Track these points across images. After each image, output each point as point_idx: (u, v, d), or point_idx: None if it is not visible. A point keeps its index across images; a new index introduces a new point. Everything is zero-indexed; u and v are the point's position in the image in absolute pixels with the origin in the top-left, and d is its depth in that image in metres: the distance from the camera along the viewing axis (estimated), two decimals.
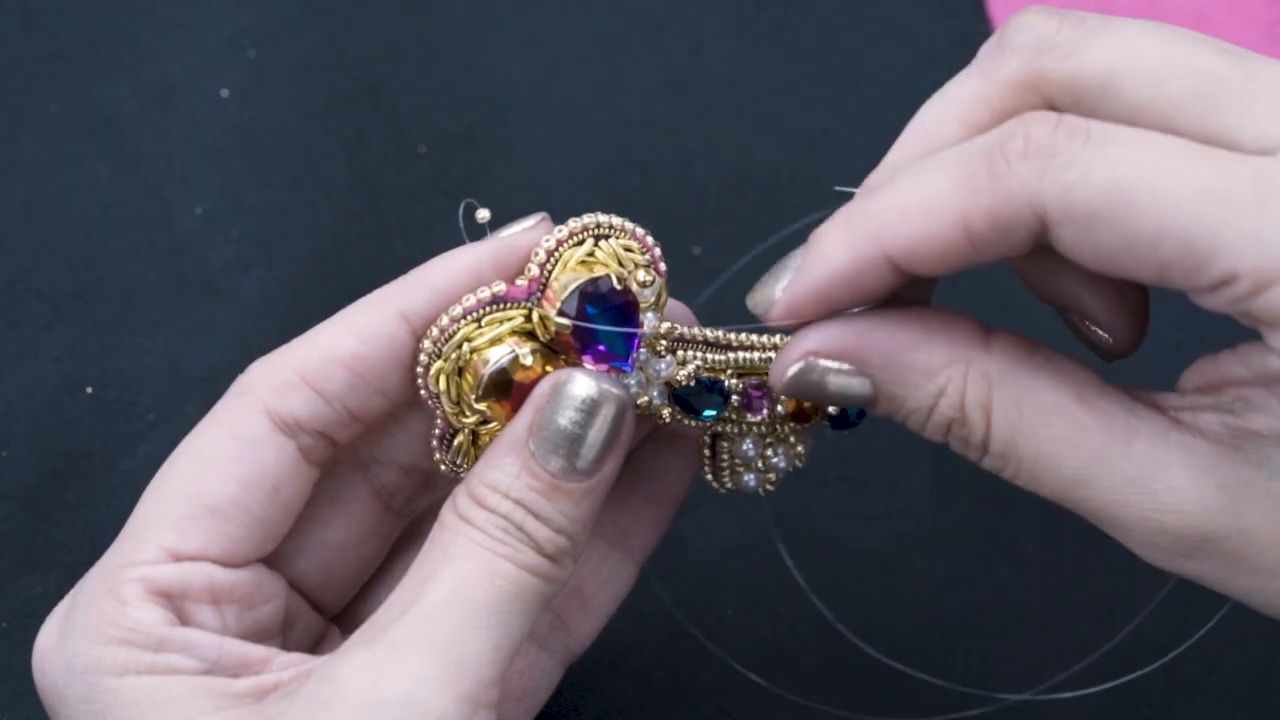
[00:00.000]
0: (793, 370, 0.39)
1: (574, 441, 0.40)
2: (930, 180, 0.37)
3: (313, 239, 0.59)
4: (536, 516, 0.40)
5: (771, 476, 0.45)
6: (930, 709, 0.53)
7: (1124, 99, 0.36)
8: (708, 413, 0.43)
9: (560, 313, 0.41)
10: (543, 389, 0.40)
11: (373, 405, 0.42)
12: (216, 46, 0.62)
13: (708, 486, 0.46)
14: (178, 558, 0.41)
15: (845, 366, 0.39)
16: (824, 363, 0.39)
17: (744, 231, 0.60)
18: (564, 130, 0.62)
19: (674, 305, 0.44)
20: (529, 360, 0.41)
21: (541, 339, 0.42)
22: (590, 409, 0.40)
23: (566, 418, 0.40)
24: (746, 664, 0.53)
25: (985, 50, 0.39)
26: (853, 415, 0.44)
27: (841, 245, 0.38)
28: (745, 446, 0.45)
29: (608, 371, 0.42)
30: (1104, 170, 0.35)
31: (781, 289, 0.39)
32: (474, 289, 0.41)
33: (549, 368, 0.41)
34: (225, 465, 0.41)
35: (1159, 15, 0.65)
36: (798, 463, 0.45)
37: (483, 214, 0.42)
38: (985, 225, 0.36)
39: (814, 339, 0.39)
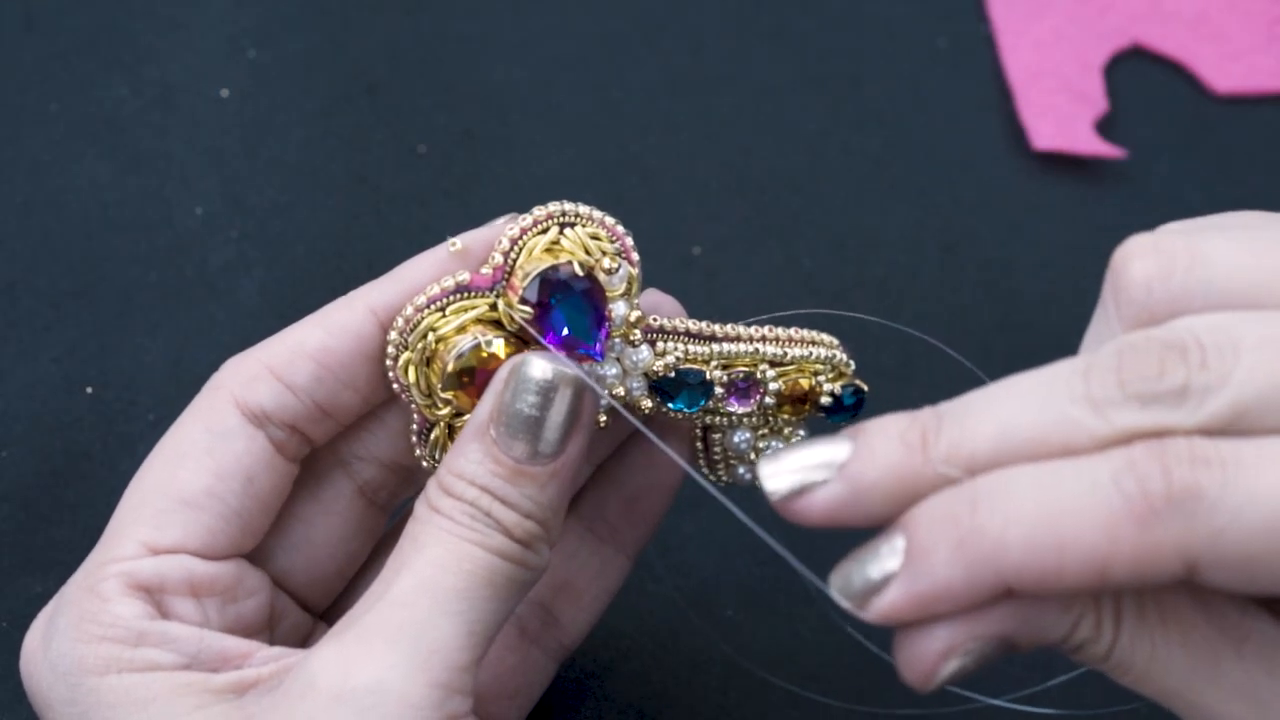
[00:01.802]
0: (941, 672, 0.36)
1: (534, 425, 0.40)
2: (1060, 511, 0.34)
3: (313, 239, 0.59)
4: (503, 502, 0.40)
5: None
6: (936, 704, 0.52)
7: (1254, 427, 0.34)
8: (690, 405, 0.43)
9: (522, 300, 0.41)
10: (500, 374, 0.40)
11: (342, 400, 0.43)
12: (216, 46, 0.62)
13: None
14: (155, 551, 0.41)
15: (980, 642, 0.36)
16: (962, 651, 0.36)
17: (744, 231, 0.60)
18: (564, 130, 0.62)
19: (661, 298, 0.44)
20: (493, 348, 0.41)
21: (508, 327, 0.42)
22: (547, 391, 0.40)
23: (525, 401, 0.40)
24: (746, 663, 0.53)
25: (1098, 374, 0.35)
26: (848, 401, 0.44)
27: (955, 567, 0.35)
28: (737, 438, 0.45)
29: (579, 360, 0.42)
30: (1253, 508, 0.33)
31: (876, 584, 0.36)
32: (425, 287, 0.42)
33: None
34: (198, 458, 0.42)
35: (1159, 15, 0.65)
36: None
37: (454, 244, 0.42)
38: (1126, 574, 0.33)
39: (945, 636, 0.36)
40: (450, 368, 0.41)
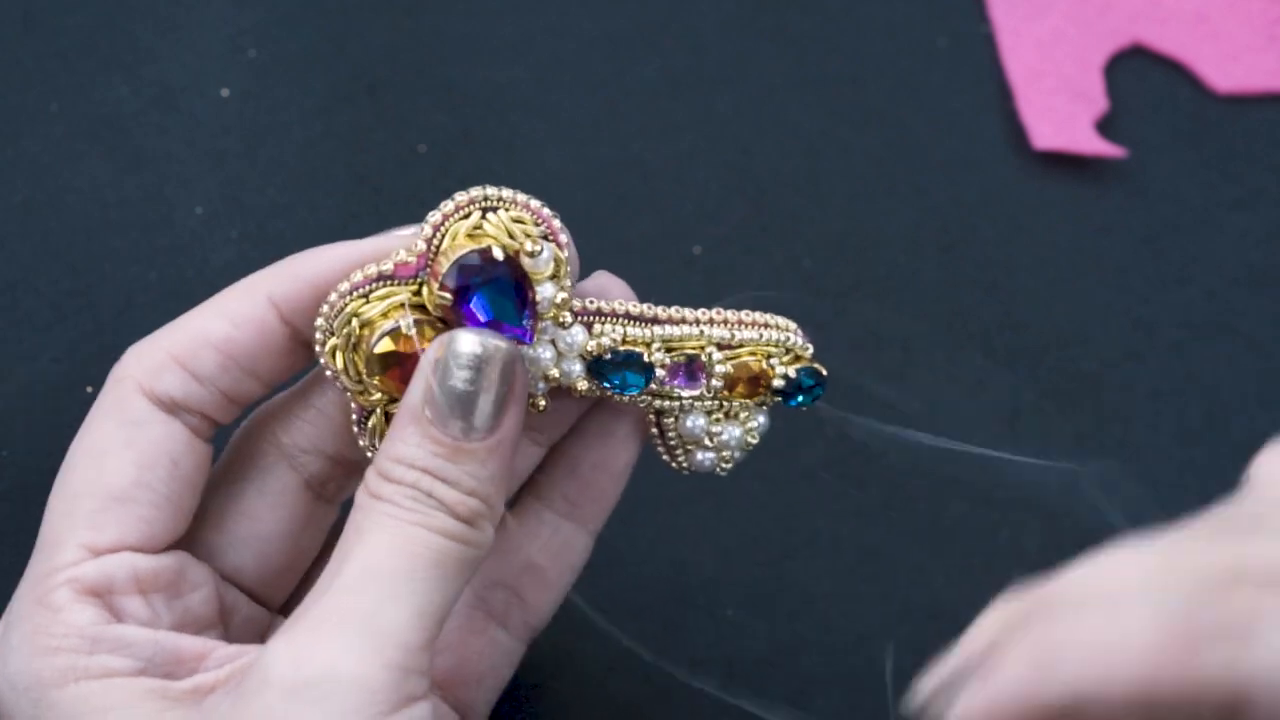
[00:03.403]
0: None
1: (469, 400, 0.40)
2: (1119, 631, 0.32)
3: (313, 239, 0.59)
4: (444, 481, 0.40)
5: (727, 454, 0.45)
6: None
7: None
8: (626, 387, 0.43)
9: (441, 286, 0.41)
10: (429, 354, 0.40)
11: (247, 388, 0.43)
12: (216, 46, 0.62)
13: (668, 469, 0.46)
14: (97, 552, 0.41)
15: None
16: None
17: (744, 231, 0.60)
18: (564, 130, 0.62)
19: (610, 281, 0.44)
20: (413, 331, 0.41)
21: (432, 313, 0.42)
22: (478, 365, 0.40)
23: (457, 378, 0.40)
24: (746, 664, 0.53)
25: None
26: (806, 383, 0.44)
27: (1017, 674, 0.33)
28: (690, 423, 0.45)
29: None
30: None
31: (954, 696, 0.34)
32: (343, 278, 0.42)
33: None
34: (119, 453, 0.42)
35: (1159, 15, 0.65)
36: (750, 439, 0.45)
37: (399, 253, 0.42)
38: (1171, 696, 0.32)
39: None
40: (375, 351, 0.41)
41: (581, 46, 0.63)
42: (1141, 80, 0.64)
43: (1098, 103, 0.63)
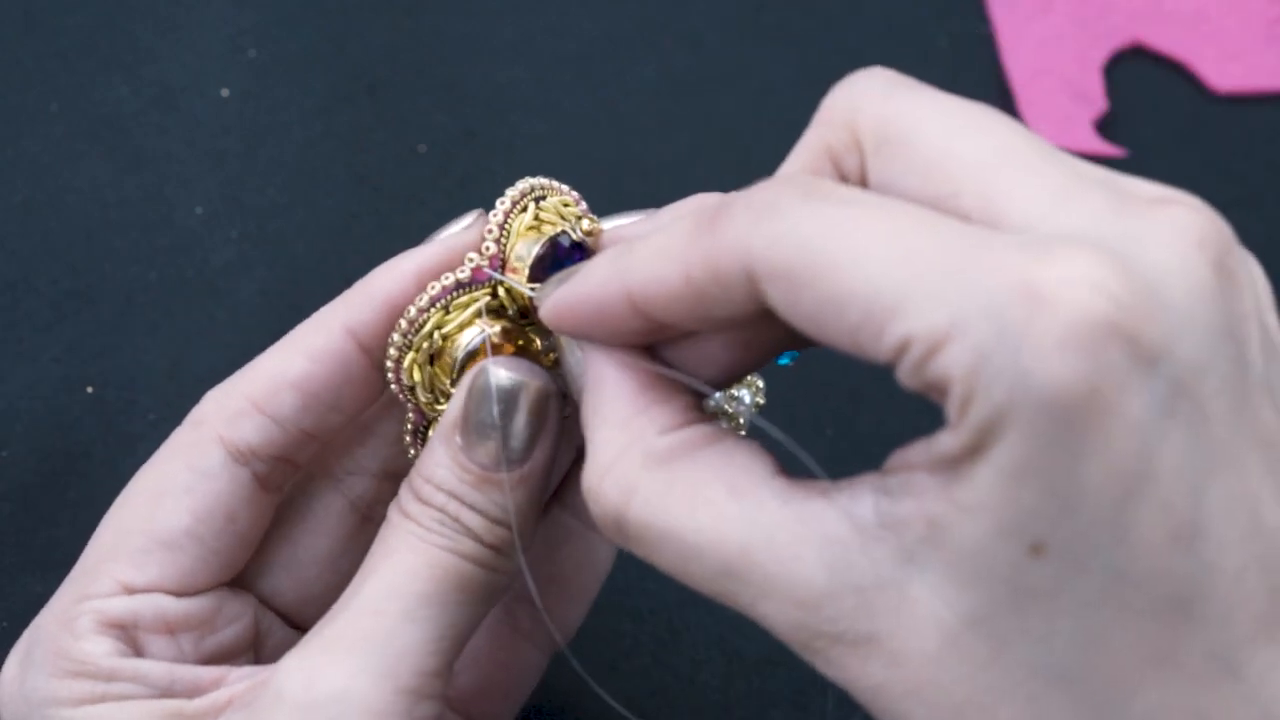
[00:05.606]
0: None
1: (498, 433, 0.40)
2: (674, 226, 0.35)
3: (313, 239, 0.59)
4: (471, 508, 0.39)
5: (740, 420, 0.45)
6: None
7: (922, 150, 0.34)
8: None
9: (531, 279, 0.41)
10: (465, 381, 0.40)
11: (329, 423, 0.42)
12: (216, 46, 0.62)
13: None
14: (131, 590, 0.41)
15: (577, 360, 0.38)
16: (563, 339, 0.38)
17: None
18: (564, 130, 0.62)
19: None
20: (499, 339, 0.41)
21: (510, 312, 0.42)
22: (509, 399, 0.40)
23: (487, 410, 0.40)
24: (747, 663, 0.53)
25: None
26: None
27: (600, 274, 0.36)
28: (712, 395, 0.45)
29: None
30: (809, 225, 0.32)
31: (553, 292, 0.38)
32: (417, 293, 0.42)
33: (519, 344, 0.42)
34: (178, 497, 0.41)
35: (1159, 15, 0.65)
36: (759, 399, 0.45)
37: (471, 258, 0.42)
38: (702, 275, 0.34)
39: (562, 318, 0.37)
40: (461, 364, 0.41)
41: (581, 46, 0.63)
42: (1141, 80, 0.64)
43: (1098, 103, 0.63)
